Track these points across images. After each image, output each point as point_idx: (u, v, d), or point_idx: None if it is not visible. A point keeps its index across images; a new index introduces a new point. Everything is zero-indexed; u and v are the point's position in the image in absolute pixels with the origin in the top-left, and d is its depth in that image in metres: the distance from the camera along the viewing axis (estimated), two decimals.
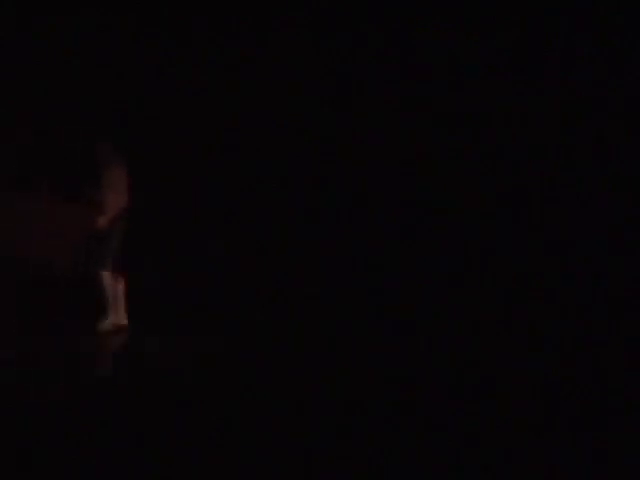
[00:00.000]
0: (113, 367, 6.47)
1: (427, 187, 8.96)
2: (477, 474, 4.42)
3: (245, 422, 5.15)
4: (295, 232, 9.01)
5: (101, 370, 6.35)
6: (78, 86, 8.52)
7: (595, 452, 4.73)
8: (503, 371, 6.66)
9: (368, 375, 6.44)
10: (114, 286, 7.74)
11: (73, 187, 7.76)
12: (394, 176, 9.09)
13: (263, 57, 8.94)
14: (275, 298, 8.81)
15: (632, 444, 4.82)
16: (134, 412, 5.26)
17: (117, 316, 7.78)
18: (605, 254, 8.32)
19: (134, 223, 7.61)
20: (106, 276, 7.66)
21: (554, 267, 8.52)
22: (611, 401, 5.73)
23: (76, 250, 7.21)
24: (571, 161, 8.56)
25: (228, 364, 6.90)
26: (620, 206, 8.32)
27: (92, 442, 4.64)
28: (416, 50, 8.85)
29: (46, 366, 6.23)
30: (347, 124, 9.02)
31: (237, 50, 8.89)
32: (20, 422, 4.92)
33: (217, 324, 8.10)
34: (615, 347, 7.28)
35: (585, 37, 8.41)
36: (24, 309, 7.66)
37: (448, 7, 8.65)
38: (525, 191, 8.77)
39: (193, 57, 8.83)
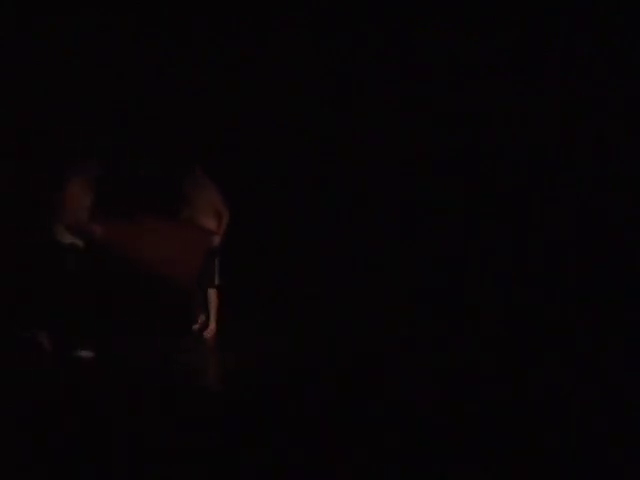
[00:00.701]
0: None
1: (427, 187, 8.96)
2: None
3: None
4: (295, 232, 9.01)
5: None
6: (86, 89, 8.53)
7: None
8: (502, 372, 6.67)
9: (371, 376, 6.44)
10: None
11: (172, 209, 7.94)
12: (394, 176, 9.09)
13: (263, 57, 8.94)
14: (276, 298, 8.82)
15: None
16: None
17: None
18: (605, 254, 8.32)
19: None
20: (212, 292, 8.09)
21: (554, 267, 8.52)
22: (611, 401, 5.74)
23: (192, 266, 7.55)
24: (571, 161, 8.56)
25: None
26: (620, 206, 8.32)
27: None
28: (416, 50, 8.84)
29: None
30: (347, 124, 9.01)
31: (237, 50, 8.88)
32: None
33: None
34: (615, 347, 7.28)
35: (585, 37, 8.41)
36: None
37: (448, 7, 8.65)
38: (525, 191, 8.77)
39: (193, 57, 8.82)
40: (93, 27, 8.56)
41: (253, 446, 4.70)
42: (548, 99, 8.54)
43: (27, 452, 4.48)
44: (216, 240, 7.90)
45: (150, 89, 8.76)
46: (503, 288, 8.52)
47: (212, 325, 8.06)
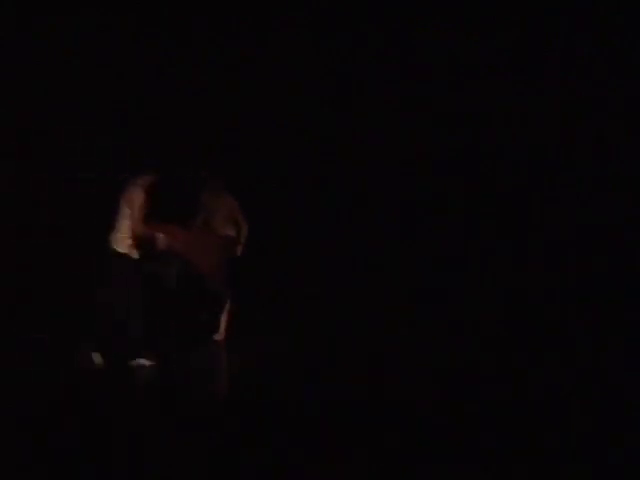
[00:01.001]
0: None
1: (427, 187, 8.95)
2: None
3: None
4: (295, 232, 9.01)
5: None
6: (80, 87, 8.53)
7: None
8: (502, 372, 6.67)
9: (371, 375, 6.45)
10: None
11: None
12: (394, 176, 9.08)
13: (263, 57, 8.94)
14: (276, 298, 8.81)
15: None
16: None
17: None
18: (605, 254, 8.32)
19: None
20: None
21: (554, 267, 8.52)
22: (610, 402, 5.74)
23: (222, 271, 7.85)
24: (571, 161, 8.56)
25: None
26: (620, 206, 8.32)
27: None
28: (416, 50, 8.84)
29: None
30: (347, 124, 9.01)
31: (237, 50, 8.88)
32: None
33: None
34: (615, 347, 7.28)
35: (585, 37, 8.41)
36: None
37: (448, 7, 8.65)
38: (525, 191, 8.77)
39: (193, 57, 8.82)
40: (93, 27, 8.56)
41: (253, 446, 4.70)
42: (548, 99, 8.54)
43: (27, 452, 4.48)
44: (239, 249, 8.04)
45: (150, 89, 8.75)
46: (503, 288, 8.52)
47: (222, 328, 8.09)
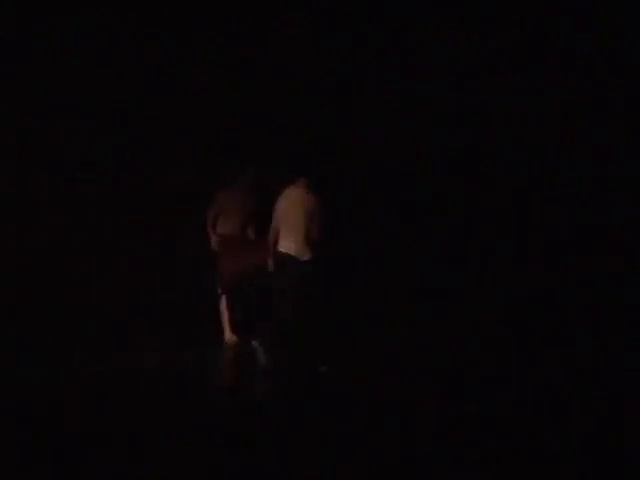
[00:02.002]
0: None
1: (427, 187, 8.95)
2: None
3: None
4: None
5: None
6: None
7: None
8: (502, 372, 6.67)
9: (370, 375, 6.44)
10: None
11: None
12: (394, 176, 9.08)
13: (263, 57, 8.93)
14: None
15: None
16: None
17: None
18: (605, 254, 8.32)
19: None
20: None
21: (553, 267, 8.52)
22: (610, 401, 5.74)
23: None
24: (571, 161, 8.56)
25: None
26: (620, 206, 8.32)
27: None
28: (416, 50, 8.84)
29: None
30: (347, 124, 9.00)
31: (237, 50, 8.88)
32: None
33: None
34: (615, 347, 7.28)
35: (585, 37, 8.41)
36: None
37: (448, 7, 8.65)
38: (525, 191, 8.76)
39: (193, 57, 8.82)
40: (93, 27, 8.56)
41: (253, 446, 4.70)
42: (548, 99, 8.54)
43: (27, 452, 4.48)
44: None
45: (150, 89, 8.75)
46: (503, 288, 8.52)
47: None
